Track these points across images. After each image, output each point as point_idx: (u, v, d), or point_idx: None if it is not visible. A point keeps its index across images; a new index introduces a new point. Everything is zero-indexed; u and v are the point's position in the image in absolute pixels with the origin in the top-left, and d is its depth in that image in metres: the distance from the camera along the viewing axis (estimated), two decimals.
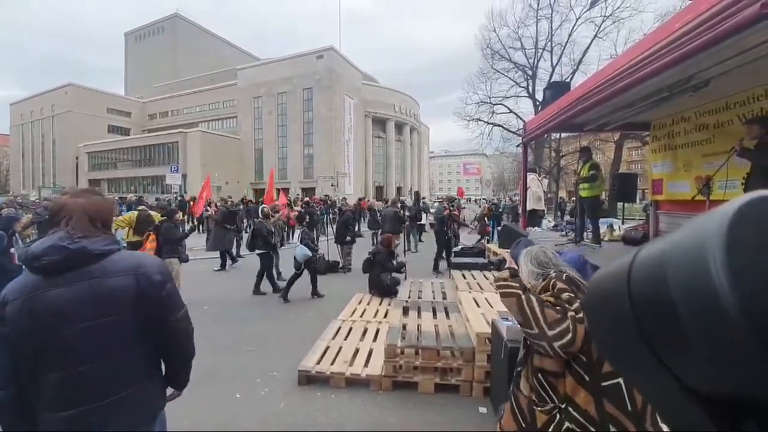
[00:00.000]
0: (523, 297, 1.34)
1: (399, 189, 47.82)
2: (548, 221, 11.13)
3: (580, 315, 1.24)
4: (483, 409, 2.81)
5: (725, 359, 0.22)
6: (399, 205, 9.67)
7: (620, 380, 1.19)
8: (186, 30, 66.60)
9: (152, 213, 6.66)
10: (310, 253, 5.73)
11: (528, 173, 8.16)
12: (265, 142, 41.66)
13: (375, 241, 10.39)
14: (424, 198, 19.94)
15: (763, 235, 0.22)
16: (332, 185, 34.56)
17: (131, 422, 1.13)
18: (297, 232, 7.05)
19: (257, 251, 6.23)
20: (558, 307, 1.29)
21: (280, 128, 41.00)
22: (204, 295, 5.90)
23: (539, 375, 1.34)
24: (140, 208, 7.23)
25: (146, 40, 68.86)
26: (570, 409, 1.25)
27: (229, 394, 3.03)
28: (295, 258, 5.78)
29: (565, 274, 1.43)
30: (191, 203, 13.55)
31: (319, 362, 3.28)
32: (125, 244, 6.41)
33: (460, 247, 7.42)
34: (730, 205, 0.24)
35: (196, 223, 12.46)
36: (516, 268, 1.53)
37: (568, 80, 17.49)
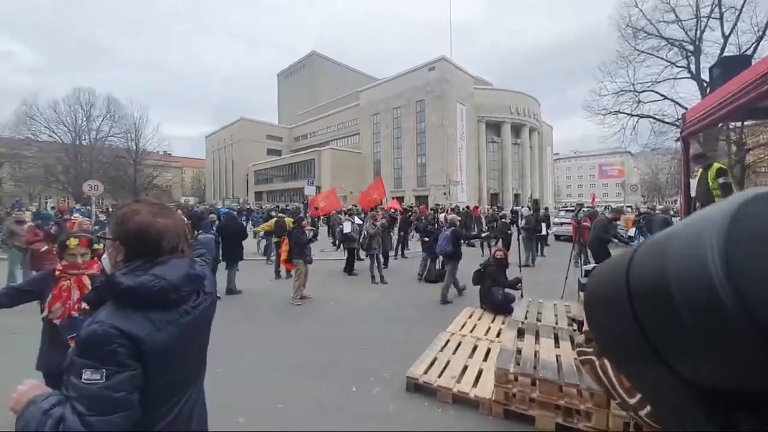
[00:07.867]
0: (597, 364, 1.20)
1: (517, 196, 44.22)
2: None
3: None
4: None
5: (722, 350, 0.22)
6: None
7: None
8: (321, 64, 78.30)
9: (287, 220, 8.47)
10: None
11: None
12: (383, 154, 44.85)
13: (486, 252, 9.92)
14: (546, 208, 18.01)
15: (762, 229, 0.22)
16: (444, 194, 34.49)
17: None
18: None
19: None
20: None
21: (396, 140, 43.52)
22: (329, 294, 6.74)
23: None
24: (279, 215, 9.38)
25: (293, 77, 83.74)
26: None
27: (348, 386, 3.36)
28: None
29: None
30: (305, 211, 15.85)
31: (426, 372, 3.33)
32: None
33: (591, 266, 6.38)
34: (732, 200, 0.23)
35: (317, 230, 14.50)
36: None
37: (748, 52, 13.22)
